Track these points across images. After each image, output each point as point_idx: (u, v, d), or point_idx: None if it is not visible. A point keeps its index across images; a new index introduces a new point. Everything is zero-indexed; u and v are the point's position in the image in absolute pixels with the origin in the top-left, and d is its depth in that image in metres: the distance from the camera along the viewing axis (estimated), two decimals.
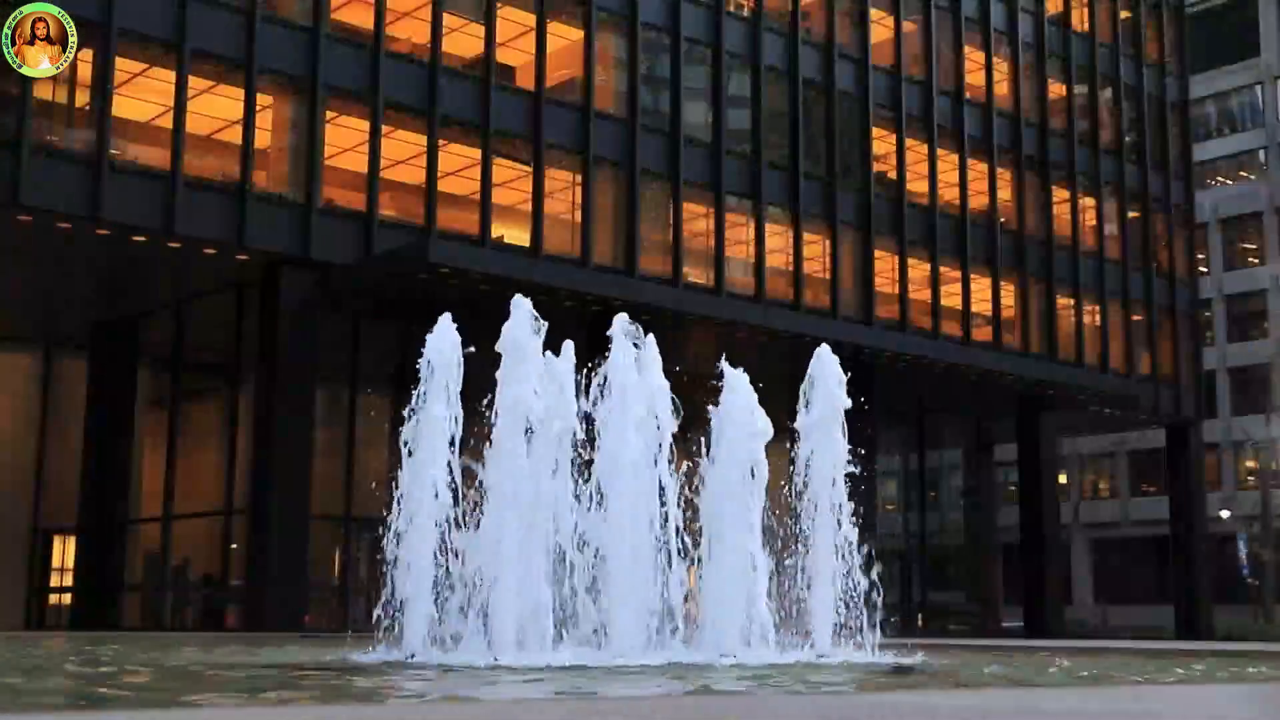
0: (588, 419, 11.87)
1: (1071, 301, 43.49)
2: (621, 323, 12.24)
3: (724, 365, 12.59)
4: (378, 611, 11.83)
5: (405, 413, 12.04)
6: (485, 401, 11.64)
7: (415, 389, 12.05)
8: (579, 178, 32.62)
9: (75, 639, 18.16)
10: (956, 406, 43.24)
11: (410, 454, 11.86)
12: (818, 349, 13.41)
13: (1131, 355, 45.26)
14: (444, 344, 12.28)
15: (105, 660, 11.60)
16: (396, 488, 11.87)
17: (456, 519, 11.77)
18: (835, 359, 13.27)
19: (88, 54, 26.23)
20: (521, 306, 11.76)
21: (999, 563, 48.54)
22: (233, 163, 27.72)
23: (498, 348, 11.64)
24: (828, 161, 37.59)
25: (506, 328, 11.70)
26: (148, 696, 7.58)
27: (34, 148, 25.33)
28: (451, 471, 11.89)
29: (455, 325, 12.41)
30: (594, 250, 32.22)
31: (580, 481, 11.78)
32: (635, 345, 12.21)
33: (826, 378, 13.11)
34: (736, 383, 12.57)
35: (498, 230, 31.43)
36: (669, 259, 33.78)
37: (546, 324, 11.70)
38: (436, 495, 11.85)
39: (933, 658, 13.19)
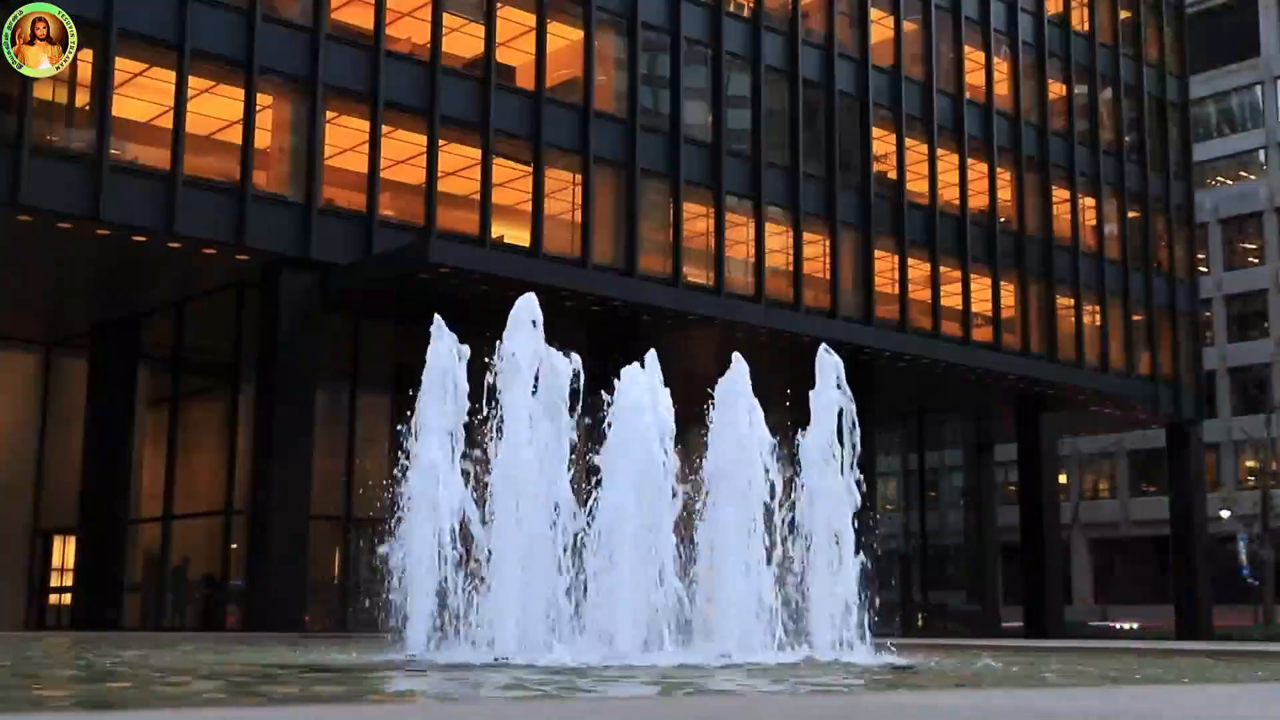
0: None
1: (1071, 301, 43.48)
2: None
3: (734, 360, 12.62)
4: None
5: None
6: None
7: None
8: (579, 178, 32.62)
9: (83, 640, 18.15)
10: (956, 406, 43.26)
11: None
12: (820, 351, 13.41)
13: (1131, 355, 45.26)
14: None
15: (137, 663, 11.60)
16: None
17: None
18: (838, 363, 13.27)
19: (88, 54, 26.21)
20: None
21: (999, 563, 48.53)
22: (233, 163, 27.71)
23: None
24: (827, 161, 37.59)
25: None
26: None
27: (34, 148, 25.32)
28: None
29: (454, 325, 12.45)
30: (594, 250, 32.21)
31: None
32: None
33: (827, 380, 13.13)
34: (737, 379, 12.60)
35: (498, 230, 31.44)
36: (669, 259, 33.78)
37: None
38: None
39: (932, 658, 13.20)
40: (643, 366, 12.24)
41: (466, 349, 12.42)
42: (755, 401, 12.58)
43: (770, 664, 11.16)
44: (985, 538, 46.97)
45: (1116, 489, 68.79)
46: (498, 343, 11.85)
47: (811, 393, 13.13)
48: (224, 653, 13.01)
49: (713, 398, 12.62)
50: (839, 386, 13.00)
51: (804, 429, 12.99)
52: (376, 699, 7.63)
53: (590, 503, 11.76)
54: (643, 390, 11.98)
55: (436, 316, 12.74)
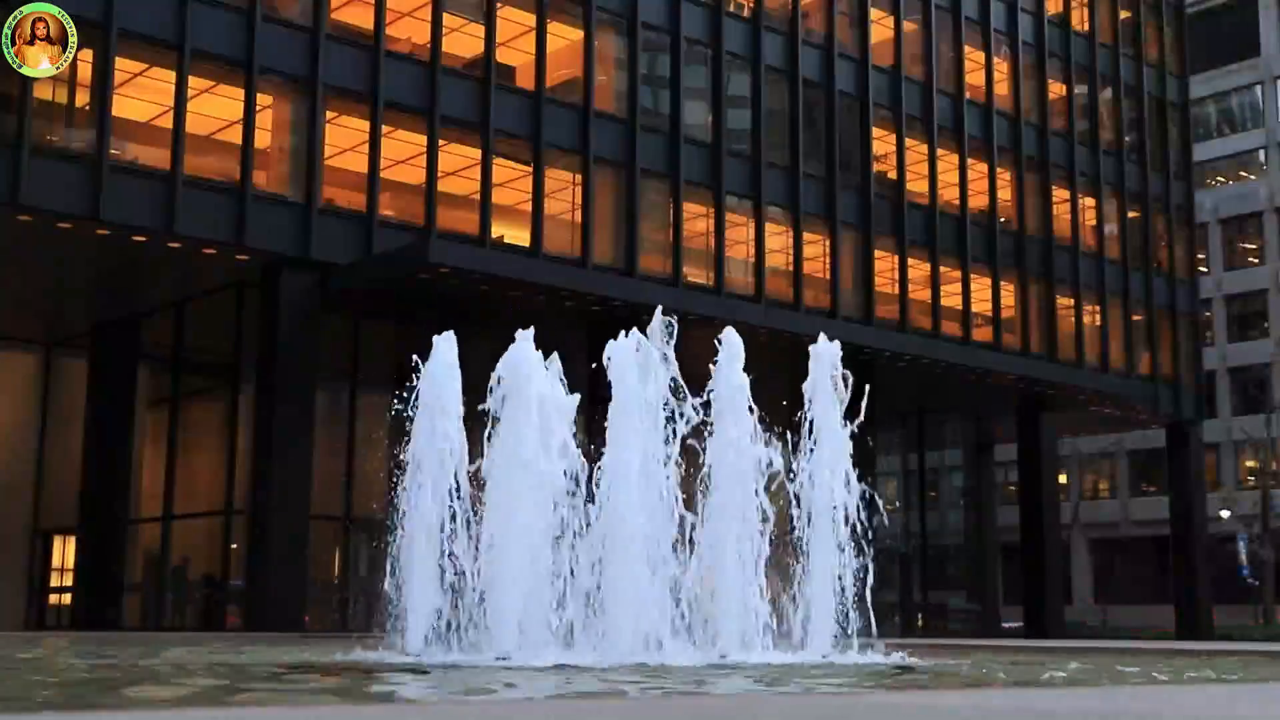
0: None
1: (1071, 301, 43.48)
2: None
3: (722, 337, 12.60)
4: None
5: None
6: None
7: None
8: (579, 178, 32.62)
9: (86, 640, 18.16)
10: (956, 406, 43.25)
11: None
12: (816, 345, 13.35)
13: (1131, 355, 45.25)
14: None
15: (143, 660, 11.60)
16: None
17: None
18: (836, 351, 13.20)
19: (88, 54, 26.21)
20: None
21: (999, 563, 48.53)
22: (233, 163, 27.71)
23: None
24: (828, 161, 37.59)
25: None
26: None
27: (34, 148, 25.32)
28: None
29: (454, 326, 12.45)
30: (594, 250, 32.21)
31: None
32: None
33: (827, 376, 13.09)
34: (732, 352, 12.58)
35: (498, 230, 31.44)
36: (669, 259, 33.78)
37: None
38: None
39: (931, 658, 13.20)
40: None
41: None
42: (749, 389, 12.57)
43: (770, 664, 11.16)
44: (985, 538, 46.97)
45: (1116, 489, 68.78)
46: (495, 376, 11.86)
47: (806, 385, 13.09)
48: (224, 652, 13.01)
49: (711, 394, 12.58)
50: (836, 381, 12.95)
51: (801, 425, 12.96)
52: (376, 699, 7.63)
53: (591, 500, 11.76)
54: (635, 371, 11.97)
55: (449, 334, 12.71)
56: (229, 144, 27.95)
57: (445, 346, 12.53)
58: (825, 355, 13.11)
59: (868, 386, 12.73)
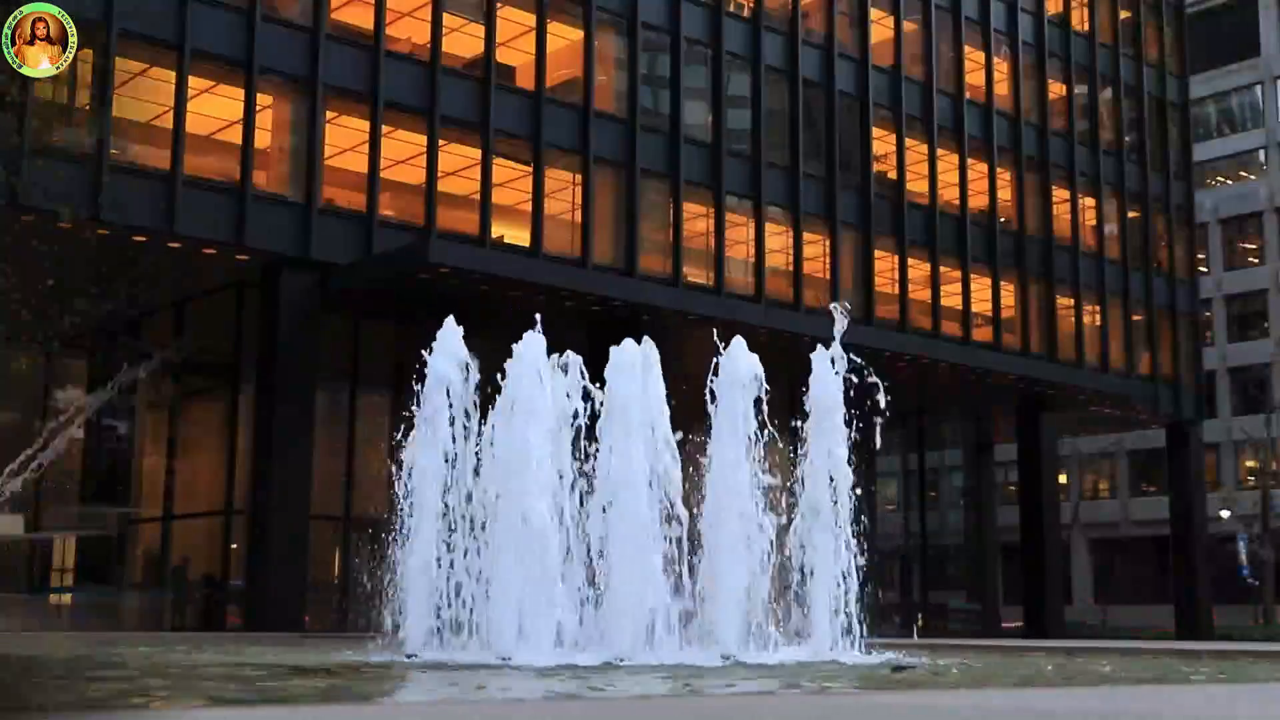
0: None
1: (1071, 301, 43.47)
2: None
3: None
4: None
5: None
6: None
7: None
8: (579, 178, 32.61)
9: (86, 640, 18.14)
10: (956, 406, 43.25)
11: None
12: (819, 350, 13.37)
13: (1131, 355, 45.24)
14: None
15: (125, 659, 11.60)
16: None
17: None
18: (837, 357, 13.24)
19: (88, 54, 26.19)
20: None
21: (999, 563, 48.51)
22: (233, 163, 27.70)
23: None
24: (828, 161, 37.58)
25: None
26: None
27: (34, 148, 25.29)
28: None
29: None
30: (594, 250, 32.21)
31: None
32: None
33: (824, 375, 13.11)
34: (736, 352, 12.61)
35: (498, 230, 31.43)
36: (669, 259, 33.77)
37: None
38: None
39: (931, 658, 13.20)
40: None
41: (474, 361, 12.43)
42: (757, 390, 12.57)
43: (770, 664, 11.16)
44: (985, 538, 46.94)
45: (1116, 489, 68.76)
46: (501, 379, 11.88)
47: (810, 388, 13.10)
48: (225, 653, 13.01)
49: (712, 395, 12.60)
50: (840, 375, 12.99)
51: (803, 427, 12.97)
52: (376, 699, 7.63)
53: (590, 501, 11.77)
54: (634, 377, 11.98)
55: (449, 320, 12.74)
56: (229, 144, 27.93)
57: (449, 335, 12.53)
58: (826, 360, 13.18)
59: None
